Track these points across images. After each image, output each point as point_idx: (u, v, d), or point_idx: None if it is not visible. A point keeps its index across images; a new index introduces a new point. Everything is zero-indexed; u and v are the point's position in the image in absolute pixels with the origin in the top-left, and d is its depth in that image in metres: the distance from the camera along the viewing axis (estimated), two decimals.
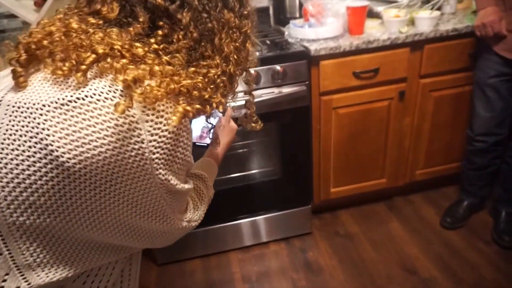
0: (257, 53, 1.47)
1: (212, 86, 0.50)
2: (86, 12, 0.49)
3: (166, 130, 0.44)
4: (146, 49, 0.46)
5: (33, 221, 0.45)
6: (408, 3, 1.68)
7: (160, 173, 0.46)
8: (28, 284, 0.47)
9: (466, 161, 1.72)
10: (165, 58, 0.47)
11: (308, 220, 1.78)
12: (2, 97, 0.46)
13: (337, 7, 1.59)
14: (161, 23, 0.48)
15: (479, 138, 1.58)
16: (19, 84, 0.45)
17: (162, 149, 0.45)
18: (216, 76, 0.50)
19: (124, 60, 0.44)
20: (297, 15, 1.80)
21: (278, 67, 1.41)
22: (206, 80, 0.49)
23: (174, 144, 0.46)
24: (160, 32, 0.48)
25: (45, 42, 0.45)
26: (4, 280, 0.46)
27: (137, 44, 0.46)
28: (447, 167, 1.88)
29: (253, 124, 0.69)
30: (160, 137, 0.44)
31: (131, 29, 0.47)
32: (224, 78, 0.52)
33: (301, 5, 1.72)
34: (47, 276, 0.48)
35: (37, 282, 0.47)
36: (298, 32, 1.57)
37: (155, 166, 0.45)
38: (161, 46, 0.48)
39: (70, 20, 0.47)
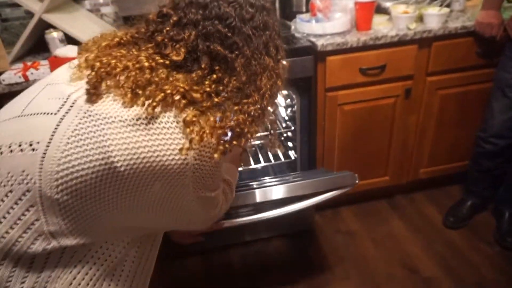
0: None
1: (250, 119, 0.59)
2: (153, 51, 0.58)
3: (208, 162, 0.56)
4: (201, 91, 0.55)
5: (73, 202, 0.53)
6: None
7: (195, 186, 0.57)
8: (58, 243, 0.55)
9: (472, 162, 1.70)
10: (216, 100, 0.56)
11: (309, 217, 1.77)
12: (75, 100, 0.55)
13: (345, 2, 1.56)
14: (217, 67, 0.57)
15: (491, 140, 1.55)
16: (92, 100, 0.54)
17: (202, 170, 0.56)
18: (254, 111, 0.59)
19: (184, 101, 0.54)
20: (304, 9, 1.77)
21: (284, 62, 1.39)
22: (246, 115, 0.58)
23: (212, 171, 0.57)
24: (214, 76, 0.57)
25: (118, 70, 0.55)
26: (36, 239, 0.54)
27: (195, 88, 0.55)
28: (452, 166, 1.87)
29: (276, 148, 0.78)
30: (201, 162, 0.55)
31: (193, 75, 0.56)
32: (260, 111, 0.61)
33: None
34: (75, 240, 0.56)
35: (66, 243, 0.55)
36: (304, 27, 1.55)
37: (192, 180, 0.56)
38: (213, 87, 0.56)
39: (141, 57, 0.56)
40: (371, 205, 1.93)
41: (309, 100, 1.53)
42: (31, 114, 0.56)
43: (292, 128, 1.69)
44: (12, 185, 0.53)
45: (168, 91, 0.53)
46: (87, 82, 0.54)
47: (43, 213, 0.54)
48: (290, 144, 1.83)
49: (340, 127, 1.64)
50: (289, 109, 1.79)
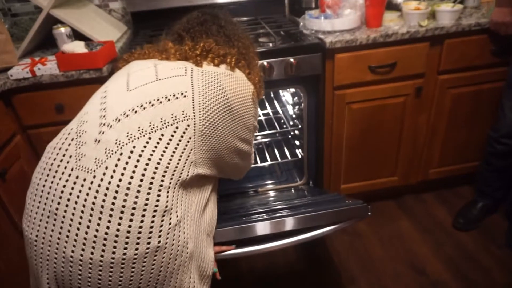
0: (270, 44, 1.43)
1: (260, 77, 0.96)
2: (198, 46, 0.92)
3: (257, 101, 0.93)
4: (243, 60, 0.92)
5: (210, 132, 0.78)
6: None
7: (253, 115, 0.91)
8: (197, 171, 0.76)
9: (484, 162, 1.66)
10: (248, 64, 0.93)
11: None
12: (192, 67, 0.83)
13: None
14: (228, 46, 0.94)
15: (503, 140, 1.51)
16: (200, 66, 0.84)
17: (255, 105, 0.92)
18: (258, 73, 0.96)
19: (240, 64, 0.90)
20: (313, 5, 1.75)
21: (291, 59, 1.37)
22: (256, 74, 0.94)
23: (257, 107, 0.94)
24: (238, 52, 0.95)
25: (199, 51, 0.87)
26: (190, 167, 0.74)
27: (239, 58, 0.91)
28: (462, 166, 1.83)
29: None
30: (255, 100, 0.91)
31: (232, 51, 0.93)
32: (259, 72, 0.97)
33: None
34: (202, 169, 0.78)
35: (198, 172, 0.77)
36: (313, 24, 1.52)
37: (254, 111, 0.91)
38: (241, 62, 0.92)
39: (208, 42, 0.89)
40: (379, 205, 1.90)
41: (317, 98, 1.50)
42: (166, 78, 0.80)
43: (300, 126, 1.67)
44: (177, 122, 0.74)
45: (235, 57, 0.88)
46: (193, 57, 0.85)
47: (194, 144, 0.75)
48: (297, 142, 1.81)
49: (348, 126, 1.61)
50: (296, 107, 1.77)
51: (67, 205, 0.68)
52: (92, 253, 0.66)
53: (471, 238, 1.67)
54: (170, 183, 0.70)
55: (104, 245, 0.65)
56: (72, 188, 0.69)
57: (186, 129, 0.74)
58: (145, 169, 0.69)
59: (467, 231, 1.70)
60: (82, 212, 0.67)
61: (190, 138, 0.74)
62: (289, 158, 1.78)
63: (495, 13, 1.44)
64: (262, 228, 0.98)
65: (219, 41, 0.91)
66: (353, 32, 1.48)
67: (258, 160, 1.78)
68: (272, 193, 1.67)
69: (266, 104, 2.05)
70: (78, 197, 0.68)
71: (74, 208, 0.67)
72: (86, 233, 0.66)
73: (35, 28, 1.48)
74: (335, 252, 1.66)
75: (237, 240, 0.97)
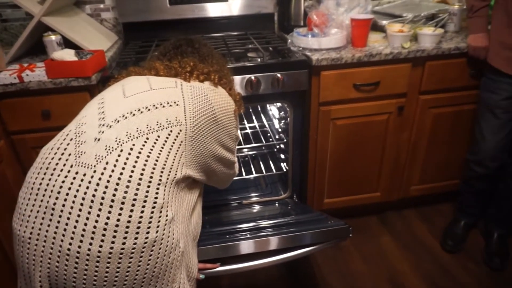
0: (258, 59, 1.47)
1: (237, 93, 1.04)
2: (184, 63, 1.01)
3: (236, 114, 0.99)
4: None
5: (197, 137, 0.84)
6: (413, 18, 1.68)
7: (235, 126, 0.98)
8: (187, 173, 0.81)
9: (464, 184, 1.69)
10: (228, 85, 1.01)
11: None
12: (181, 81, 0.90)
13: (342, 18, 1.59)
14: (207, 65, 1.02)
15: (485, 163, 1.52)
16: (187, 81, 0.91)
17: (236, 118, 0.99)
18: (233, 87, 1.05)
19: (222, 81, 0.98)
20: (302, 23, 1.80)
21: (278, 75, 1.41)
22: (234, 89, 1.04)
23: (237, 120, 1.00)
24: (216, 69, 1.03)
25: (188, 68, 0.95)
26: (182, 168, 0.80)
27: (220, 76, 0.99)
28: (443, 184, 1.88)
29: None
30: (236, 113, 0.98)
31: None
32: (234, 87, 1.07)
33: (306, 13, 1.72)
34: (191, 171, 0.83)
35: (189, 173, 0.82)
36: (300, 41, 1.56)
37: (235, 123, 0.98)
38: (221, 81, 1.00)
39: (193, 62, 0.98)
40: (361, 220, 1.93)
41: (303, 113, 1.54)
42: (159, 88, 0.86)
43: (285, 140, 1.70)
44: (171, 126, 0.80)
45: (218, 75, 0.97)
46: (182, 73, 0.93)
47: (185, 147, 0.81)
48: (282, 156, 1.84)
49: (332, 142, 1.64)
50: (282, 121, 1.80)
51: (65, 199, 0.69)
52: (90, 244, 0.67)
53: (449, 255, 1.71)
54: (167, 180, 0.75)
55: (103, 235, 0.67)
56: (71, 183, 0.70)
57: (179, 133, 0.80)
58: (144, 165, 0.73)
59: (455, 252, 1.71)
60: (81, 205, 0.68)
61: (181, 142, 0.80)
62: (274, 171, 1.81)
63: (472, 39, 1.50)
64: (246, 247, 1.01)
65: (195, 61, 0.99)
66: (339, 50, 1.53)
67: (244, 173, 1.80)
68: (256, 206, 1.68)
69: (253, 117, 2.08)
70: (77, 191, 0.69)
71: (73, 202, 0.69)
72: (85, 224, 0.67)
73: (25, 35, 1.48)
74: (316, 266, 1.67)
75: (221, 258, 0.99)
